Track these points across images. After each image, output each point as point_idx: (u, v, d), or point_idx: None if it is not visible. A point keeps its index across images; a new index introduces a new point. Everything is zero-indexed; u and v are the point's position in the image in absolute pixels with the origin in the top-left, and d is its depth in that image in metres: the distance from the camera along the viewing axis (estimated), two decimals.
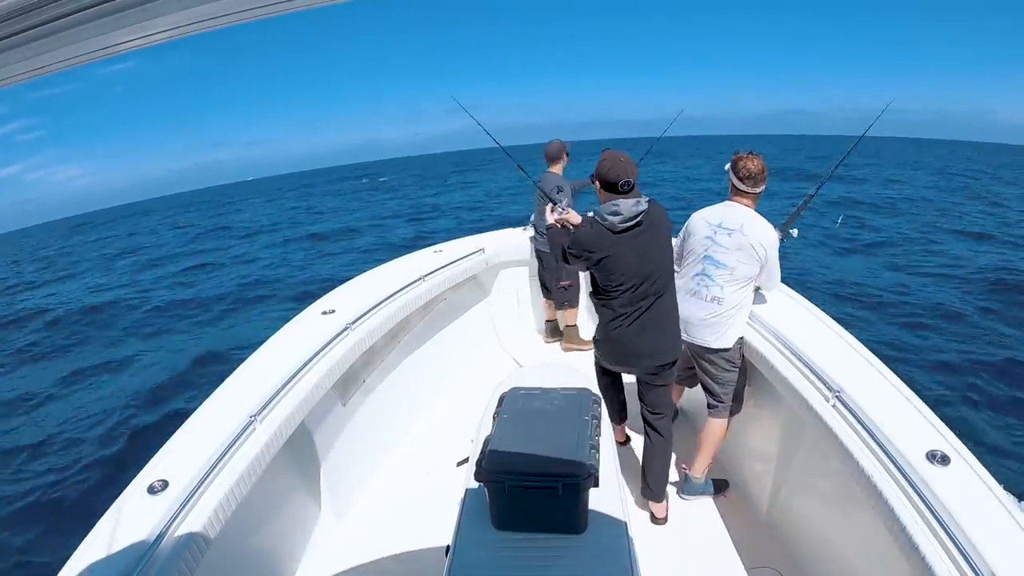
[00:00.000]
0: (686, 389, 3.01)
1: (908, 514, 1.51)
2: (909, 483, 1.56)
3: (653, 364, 2.37)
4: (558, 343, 4.34)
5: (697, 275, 2.49)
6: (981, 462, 1.60)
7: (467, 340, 4.14)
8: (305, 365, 2.36)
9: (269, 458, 1.96)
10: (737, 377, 2.55)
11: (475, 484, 1.56)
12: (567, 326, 4.29)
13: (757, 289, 2.56)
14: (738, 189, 2.45)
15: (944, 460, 1.59)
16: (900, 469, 1.60)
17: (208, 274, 14.38)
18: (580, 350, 4.24)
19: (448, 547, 1.50)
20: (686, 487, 2.67)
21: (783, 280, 2.62)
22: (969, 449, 1.65)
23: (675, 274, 2.49)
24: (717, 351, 2.49)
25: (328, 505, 2.58)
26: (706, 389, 2.62)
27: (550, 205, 2.62)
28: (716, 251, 2.43)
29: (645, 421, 2.54)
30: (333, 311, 2.87)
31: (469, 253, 3.98)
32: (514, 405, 1.76)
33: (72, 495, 4.81)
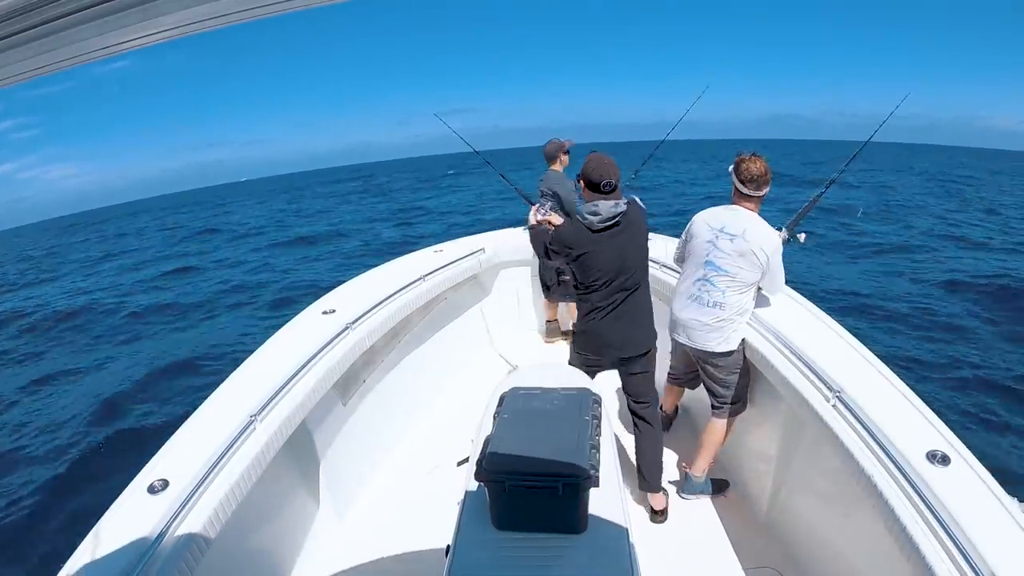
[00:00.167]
0: (687, 389, 3.01)
1: (908, 514, 1.51)
2: (909, 483, 1.56)
3: (622, 355, 2.49)
4: (559, 343, 4.34)
5: (699, 280, 2.47)
6: (981, 462, 1.60)
7: (467, 340, 4.14)
8: (305, 365, 2.36)
9: (269, 458, 1.96)
10: (739, 378, 2.54)
11: (475, 484, 1.56)
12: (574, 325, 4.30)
13: (759, 290, 2.54)
14: (741, 193, 2.40)
15: (944, 460, 1.59)
16: (900, 469, 1.60)
17: (188, 279, 14.21)
18: None
19: (448, 547, 1.50)
20: (686, 486, 2.66)
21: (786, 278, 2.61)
22: (969, 449, 1.65)
23: (677, 276, 2.49)
24: (720, 355, 2.48)
25: (328, 505, 2.58)
26: (709, 391, 2.61)
27: (535, 206, 2.73)
28: (717, 256, 2.40)
29: (633, 413, 2.59)
30: (333, 311, 2.87)
31: (469, 253, 3.98)
32: (514, 405, 1.76)
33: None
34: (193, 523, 1.59)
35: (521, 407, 1.75)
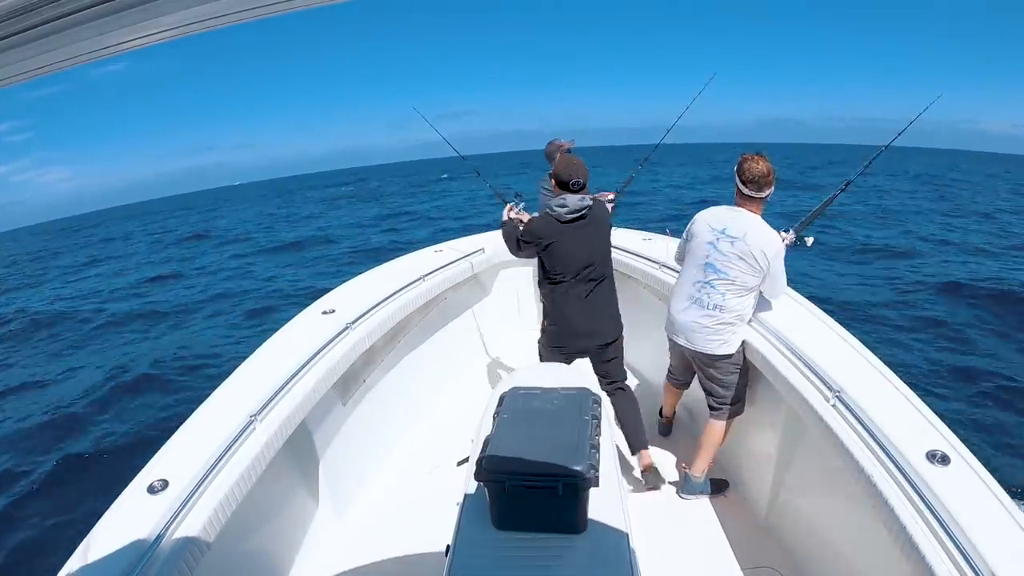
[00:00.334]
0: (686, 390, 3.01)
1: (908, 514, 1.50)
2: (909, 483, 1.56)
3: (592, 344, 2.71)
4: None
5: (698, 282, 2.45)
6: (981, 462, 1.60)
7: (467, 340, 4.14)
8: (305, 365, 2.35)
9: (269, 458, 1.96)
10: (739, 378, 2.54)
11: (475, 484, 1.56)
12: None
13: (760, 293, 2.53)
14: (743, 194, 2.36)
15: (944, 460, 1.59)
16: (900, 469, 1.60)
17: (170, 286, 13.97)
18: None
19: (448, 547, 1.50)
20: (686, 487, 2.66)
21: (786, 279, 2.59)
22: (969, 449, 1.65)
23: (675, 276, 2.51)
24: (721, 357, 2.47)
25: (328, 505, 2.58)
26: (707, 391, 2.60)
27: (509, 205, 2.93)
28: (717, 259, 2.37)
29: (605, 390, 2.74)
30: (333, 311, 2.87)
31: (469, 253, 3.98)
32: (514, 405, 1.76)
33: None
34: (193, 523, 1.59)
35: (521, 407, 1.75)
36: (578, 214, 2.53)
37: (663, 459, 2.93)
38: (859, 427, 1.79)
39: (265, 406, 2.06)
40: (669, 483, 2.78)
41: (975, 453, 1.63)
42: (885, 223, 15.93)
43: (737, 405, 2.57)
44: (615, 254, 3.93)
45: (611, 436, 1.94)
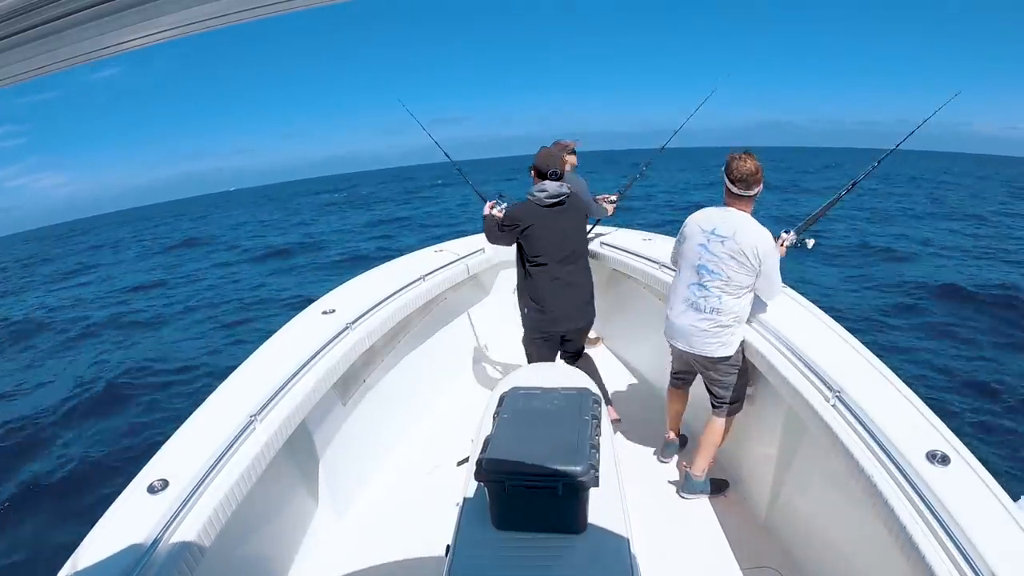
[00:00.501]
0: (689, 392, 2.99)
1: (908, 514, 1.50)
2: (909, 483, 1.56)
3: (573, 326, 2.95)
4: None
5: (693, 285, 2.45)
6: (981, 462, 1.60)
7: (467, 340, 4.14)
8: (305, 365, 2.35)
9: (269, 458, 1.96)
10: (738, 378, 2.54)
11: (475, 484, 1.56)
12: None
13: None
14: (732, 193, 2.37)
15: (944, 460, 1.59)
16: (900, 469, 1.60)
17: (152, 295, 13.73)
18: (586, 349, 4.26)
19: (448, 547, 1.50)
20: (686, 486, 2.66)
21: (785, 281, 2.59)
22: (969, 449, 1.65)
23: (671, 279, 2.56)
24: (721, 359, 2.47)
25: (328, 505, 2.58)
26: (710, 391, 2.61)
27: (490, 202, 3.14)
28: (709, 260, 2.38)
29: (567, 362, 3.09)
30: (333, 311, 2.87)
31: (469, 252, 3.98)
32: (514, 405, 1.76)
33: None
34: (193, 523, 1.59)
35: (521, 407, 1.75)
36: (557, 200, 2.74)
37: (671, 468, 2.93)
38: (859, 427, 1.79)
39: (265, 406, 2.06)
40: (669, 482, 2.78)
41: (975, 453, 1.63)
42: (881, 224, 15.94)
43: (736, 404, 2.58)
44: (615, 254, 3.94)
45: (611, 436, 1.94)
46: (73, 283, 17.95)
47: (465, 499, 1.63)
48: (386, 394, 3.19)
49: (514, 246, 2.89)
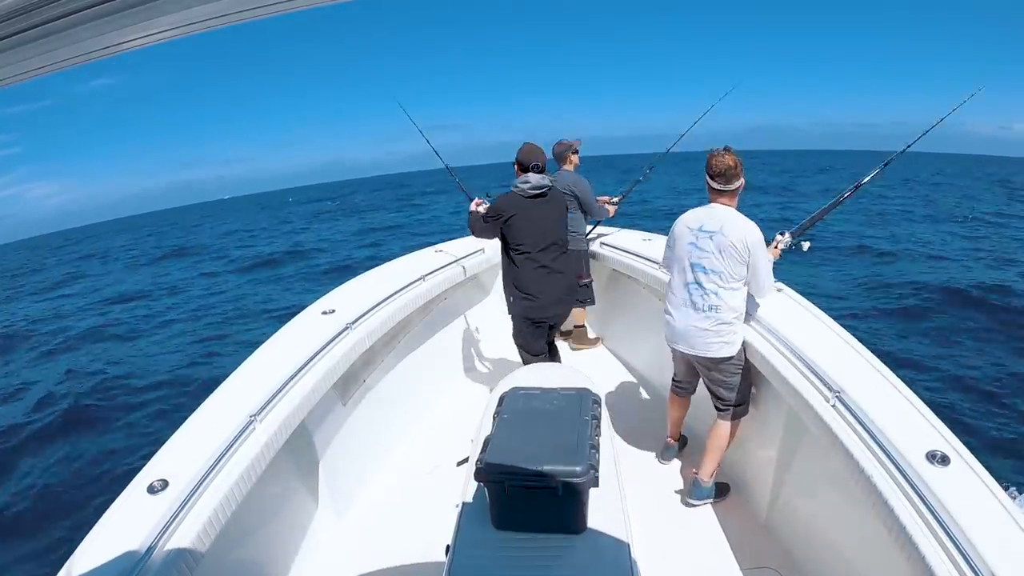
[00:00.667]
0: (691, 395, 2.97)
1: (908, 514, 1.50)
2: (909, 483, 1.56)
3: (558, 311, 3.07)
4: (559, 343, 4.34)
5: (689, 284, 2.45)
6: (981, 462, 1.60)
7: (467, 340, 4.14)
8: (305, 365, 2.35)
9: (269, 458, 1.96)
10: (741, 380, 2.52)
11: (475, 484, 1.56)
12: (576, 326, 4.29)
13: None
14: (714, 189, 2.41)
15: (944, 460, 1.59)
16: (900, 469, 1.60)
17: (135, 307, 13.47)
18: (586, 349, 4.25)
19: (448, 547, 1.50)
20: (695, 492, 2.61)
21: (784, 282, 2.59)
22: (969, 449, 1.65)
23: (666, 282, 2.64)
24: (724, 360, 2.46)
25: (328, 505, 2.58)
26: (713, 394, 2.59)
27: (475, 200, 3.21)
28: (702, 257, 2.39)
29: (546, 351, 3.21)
30: (333, 311, 2.87)
31: (470, 253, 3.99)
32: (514, 405, 1.76)
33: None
34: (192, 523, 1.58)
35: (521, 407, 1.75)
36: (540, 191, 2.86)
37: (670, 468, 2.93)
38: (859, 427, 1.79)
39: (265, 406, 2.06)
40: (675, 491, 2.75)
41: (975, 453, 1.63)
42: (877, 226, 15.92)
43: (741, 407, 2.56)
44: (615, 254, 3.94)
45: (611, 436, 1.94)
46: (58, 294, 17.73)
47: (465, 499, 1.63)
48: (386, 394, 3.19)
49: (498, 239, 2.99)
